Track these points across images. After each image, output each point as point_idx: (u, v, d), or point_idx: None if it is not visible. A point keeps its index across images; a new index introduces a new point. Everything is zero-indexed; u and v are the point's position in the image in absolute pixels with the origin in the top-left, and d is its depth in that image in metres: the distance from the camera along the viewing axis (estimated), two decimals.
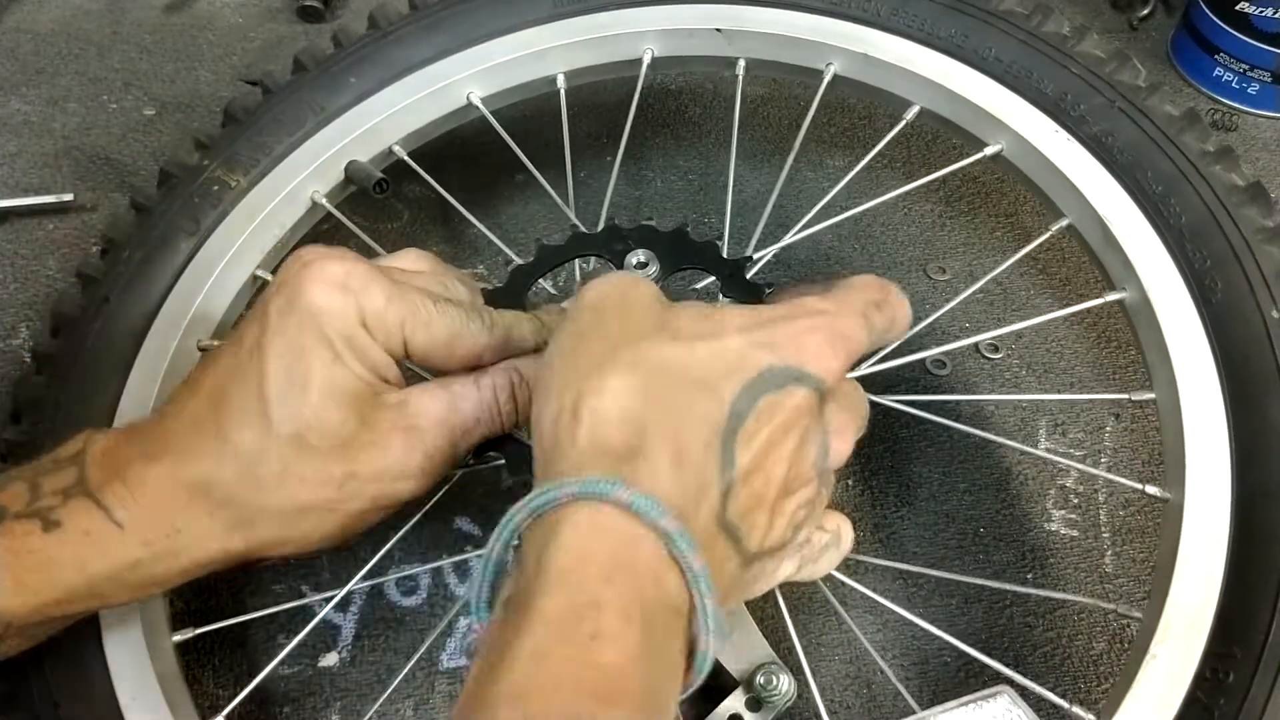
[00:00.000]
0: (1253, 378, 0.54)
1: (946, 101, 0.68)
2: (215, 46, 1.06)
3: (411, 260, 0.54)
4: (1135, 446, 0.75)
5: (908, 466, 0.74)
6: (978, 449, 0.75)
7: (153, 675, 0.54)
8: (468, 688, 0.35)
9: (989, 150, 0.67)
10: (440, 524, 0.70)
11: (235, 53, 1.05)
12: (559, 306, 0.56)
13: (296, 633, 0.59)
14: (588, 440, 0.38)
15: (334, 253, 0.47)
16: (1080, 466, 0.69)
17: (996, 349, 0.80)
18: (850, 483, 0.73)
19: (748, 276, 0.59)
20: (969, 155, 0.68)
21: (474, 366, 0.51)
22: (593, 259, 0.63)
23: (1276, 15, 0.90)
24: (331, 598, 0.60)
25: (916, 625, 0.57)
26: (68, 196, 0.89)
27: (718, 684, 0.57)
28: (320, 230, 0.73)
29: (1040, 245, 0.65)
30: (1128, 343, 0.80)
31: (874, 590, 0.58)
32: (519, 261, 0.61)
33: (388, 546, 0.59)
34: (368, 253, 0.53)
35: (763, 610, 0.60)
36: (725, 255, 0.60)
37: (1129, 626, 0.66)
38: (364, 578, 0.59)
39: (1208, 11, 0.95)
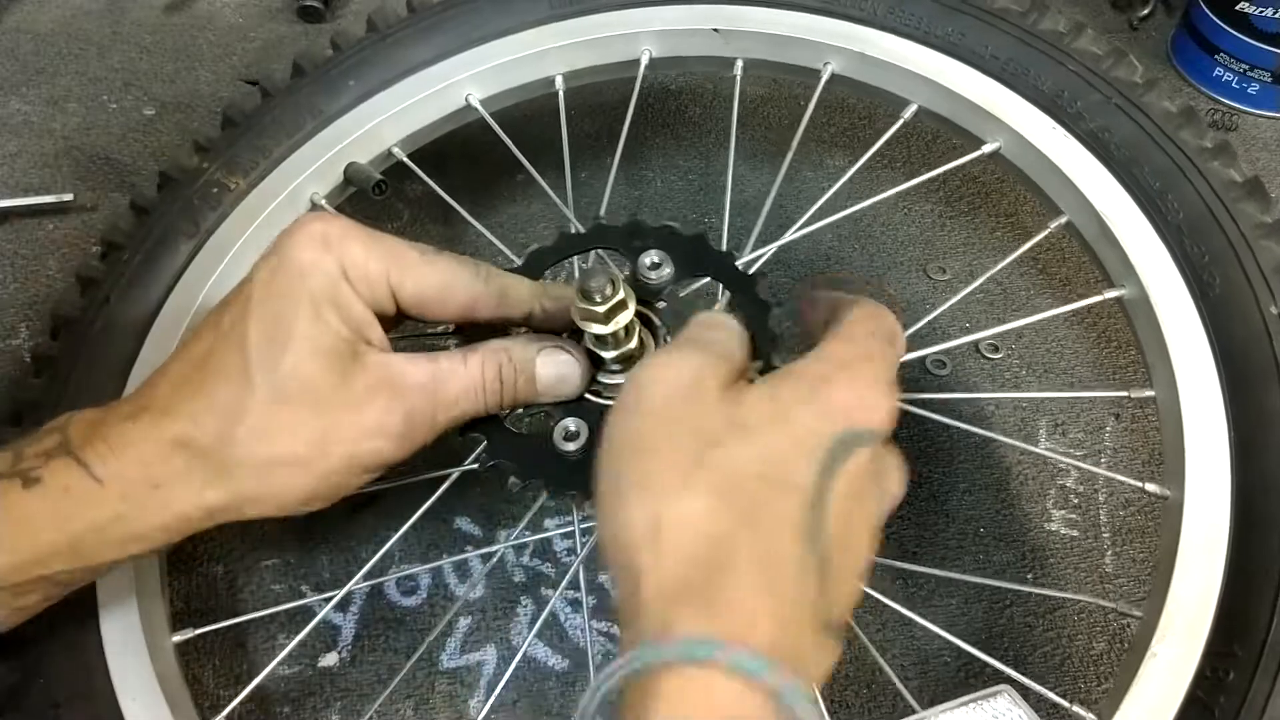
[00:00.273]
0: (1252, 373, 0.54)
1: (944, 99, 0.68)
2: (215, 46, 1.06)
3: None
4: (1135, 446, 0.75)
5: (908, 466, 0.73)
6: (978, 449, 0.75)
7: (153, 675, 0.54)
8: None
9: (987, 148, 0.67)
10: (440, 524, 0.70)
11: (235, 53, 1.05)
12: (564, 284, 0.56)
13: (296, 633, 0.59)
14: (672, 571, 0.36)
15: (318, 214, 0.48)
16: (1080, 465, 0.69)
17: (996, 349, 0.80)
18: None
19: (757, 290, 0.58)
20: (967, 154, 0.68)
21: (471, 323, 0.51)
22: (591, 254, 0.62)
23: (1276, 15, 0.90)
24: (331, 598, 0.60)
25: (917, 625, 0.57)
26: (68, 196, 0.89)
27: None
28: None
29: (1040, 245, 0.65)
30: (1128, 342, 0.80)
31: (874, 589, 0.58)
32: (517, 262, 0.61)
33: (387, 546, 0.59)
34: None
35: None
36: (722, 250, 0.60)
37: (1129, 626, 0.66)
38: (364, 578, 0.59)
39: (1208, 11, 0.95)
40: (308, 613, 0.63)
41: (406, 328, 0.54)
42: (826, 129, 0.94)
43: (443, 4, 0.74)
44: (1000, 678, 0.53)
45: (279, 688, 0.64)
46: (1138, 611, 0.54)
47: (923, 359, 0.77)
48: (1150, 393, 0.59)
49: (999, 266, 0.65)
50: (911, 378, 0.78)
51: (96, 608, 0.55)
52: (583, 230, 0.60)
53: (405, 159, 0.73)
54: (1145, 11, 1.05)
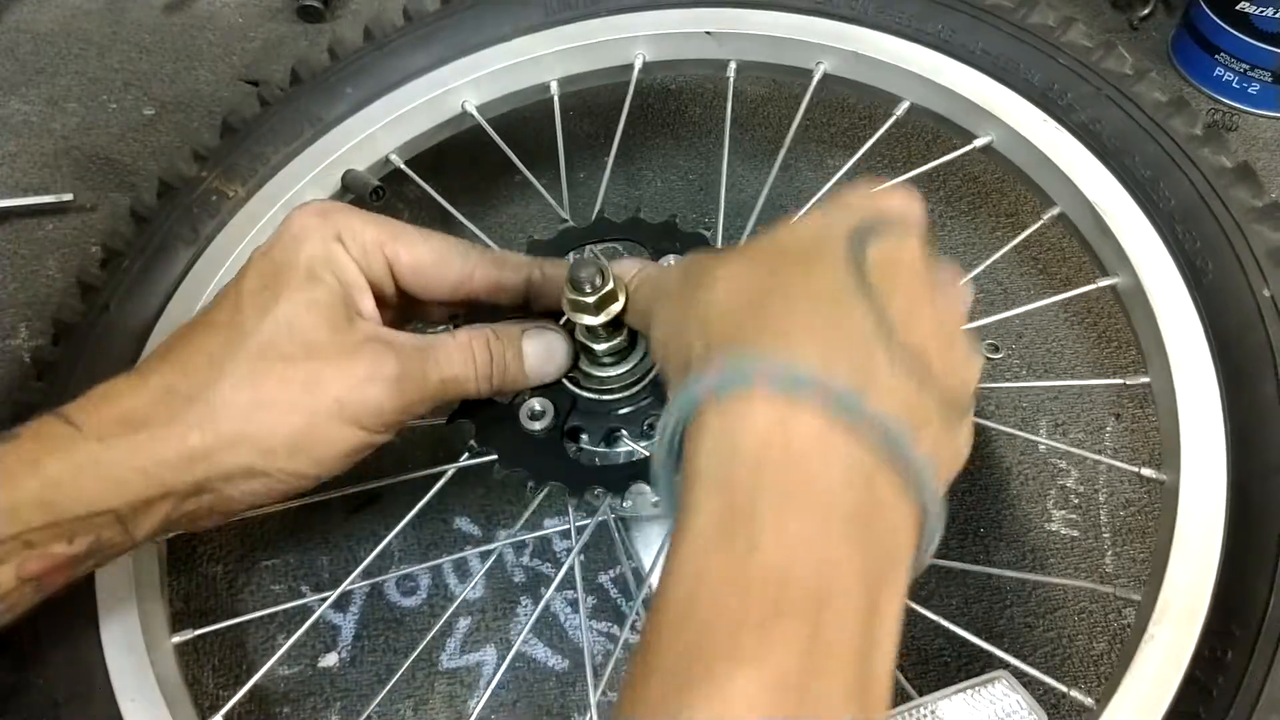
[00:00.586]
0: (1246, 358, 0.54)
1: (935, 95, 0.69)
2: (215, 46, 1.06)
3: None
4: (1136, 446, 0.74)
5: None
6: (978, 449, 0.74)
7: (152, 676, 0.54)
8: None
9: (979, 142, 0.67)
10: (440, 524, 0.71)
11: (235, 53, 1.06)
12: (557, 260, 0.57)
13: (296, 632, 0.58)
14: (715, 321, 0.37)
15: (318, 199, 0.51)
16: (1076, 451, 0.68)
17: (997, 349, 0.80)
18: None
19: None
20: (960, 148, 0.69)
21: (469, 304, 0.53)
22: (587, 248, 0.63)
23: (1277, 15, 0.89)
24: (330, 597, 0.60)
25: (916, 622, 0.56)
26: (67, 196, 0.89)
27: None
28: None
29: (1039, 244, 0.65)
30: (1128, 341, 0.80)
31: None
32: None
33: (386, 541, 0.59)
34: None
35: None
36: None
37: (1129, 626, 0.65)
38: (363, 577, 0.59)
39: (1208, 11, 0.95)
40: (307, 613, 0.63)
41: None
42: (827, 129, 0.94)
43: (438, 12, 0.75)
44: (998, 665, 0.53)
45: (278, 687, 0.64)
46: (1136, 595, 0.53)
47: None
48: (1145, 379, 0.59)
49: (993, 258, 0.65)
50: None
51: (96, 608, 0.55)
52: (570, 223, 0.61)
53: (403, 165, 0.73)
54: (1145, 11, 1.05)
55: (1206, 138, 0.61)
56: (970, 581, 0.67)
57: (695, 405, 0.34)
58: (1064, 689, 0.52)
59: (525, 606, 0.68)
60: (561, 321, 0.55)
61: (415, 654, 0.60)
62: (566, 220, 0.67)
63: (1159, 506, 0.57)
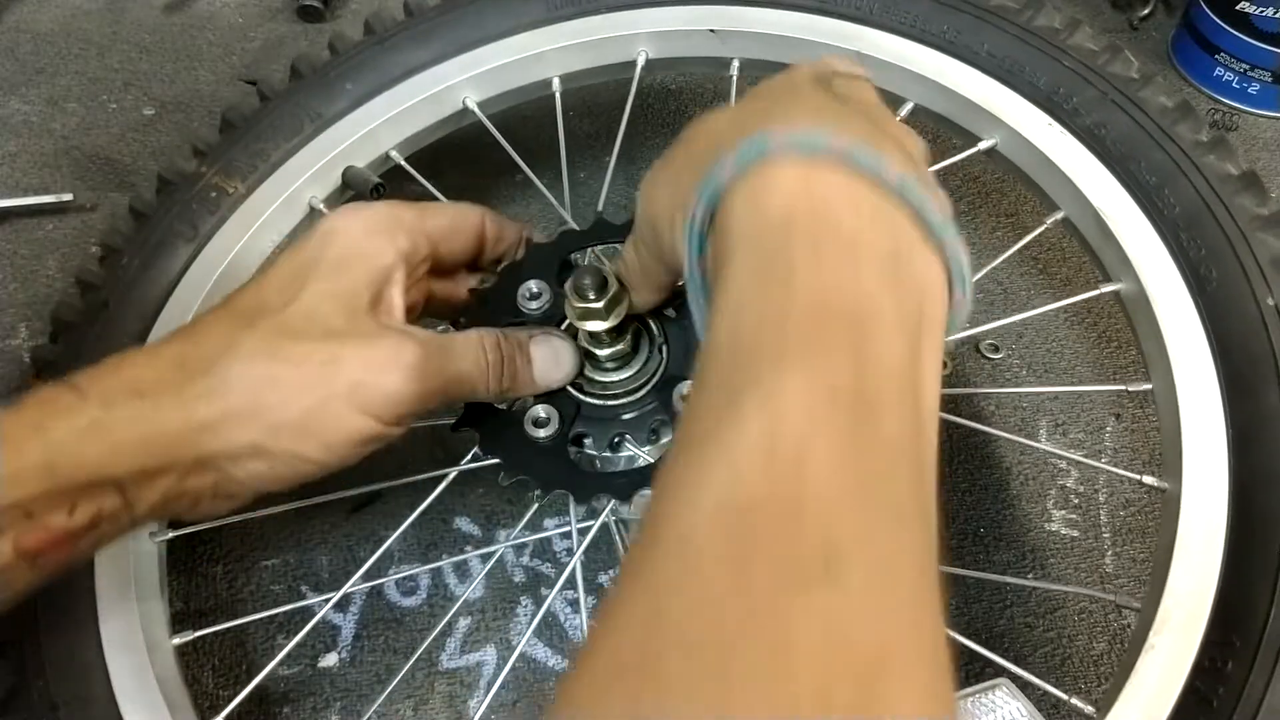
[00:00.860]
0: (1249, 366, 0.54)
1: (940, 97, 0.68)
2: (215, 46, 1.06)
3: None
4: (1136, 447, 0.74)
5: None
6: (978, 449, 0.75)
7: (152, 677, 0.54)
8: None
9: (983, 145, 0.67)
10: (440, 524, 0.70)
11: (235, 52, 1.05)
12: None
13: (296, 633, 0.58)
14: (713, 134, 0.40)
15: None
16: (1078, 458, 0.68)
17: (997, 349, 0.80)
18: None
19: None
20: (964, 151, 0.68)
21: (479, 255, 0.57)
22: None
23: (1277, 15, 0.89)
24: (331, 598, 0.60)
25: None
26: (67, 196, 0.89)
27: None
28: None
29: (1041, 246, 0.65)
30: (1128, 342, 0.80)
31: None
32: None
33: (387, 544, 0.59)
34: None
35: None
36: None
37: (1129, 626, 0.65)
38: (363, 578, 0.59)
39: (1208, 11, 0.94)
40: (307, 613, 0.62)
41: None
42: None
43: (439, 7, 0.75)
44: (998, 672, 0.53)
45: (279, 688, 0.64)
46: (1136, 603, 0.53)
47: None
48: (1148, 385, 0.59)
49: (996, 262, 0.65)
50: None
51: (96, 609, 0.55)
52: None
53: (403, 162, 0.73)
54: (1145, 11, 1.05)
55: (1212, 144, 0.61)
56: (970, 581, 0.67)
57: (719, 190, 0.36)
58: (1064, 696, 0.52)
59: (525, 606, 0.68)
60: (564, 327, 0.55)
61: (416, 654, 0.61)
62: (567, 221, 0.67)
63: (1159, 507, 0.57)
